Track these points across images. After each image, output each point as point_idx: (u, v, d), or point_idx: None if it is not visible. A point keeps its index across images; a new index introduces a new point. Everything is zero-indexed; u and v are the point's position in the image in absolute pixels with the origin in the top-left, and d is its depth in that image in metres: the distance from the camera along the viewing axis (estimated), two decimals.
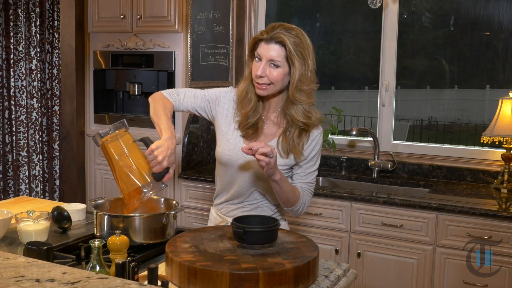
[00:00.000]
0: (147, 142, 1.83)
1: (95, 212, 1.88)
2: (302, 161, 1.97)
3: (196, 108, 2.06)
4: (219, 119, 2.03)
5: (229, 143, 1.98)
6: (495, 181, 3.15)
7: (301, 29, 1.92)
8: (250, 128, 1.95)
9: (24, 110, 4.08)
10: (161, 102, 2.01)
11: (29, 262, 1.30)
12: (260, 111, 1.97)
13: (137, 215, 1.87)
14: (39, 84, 4.13)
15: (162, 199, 2.06)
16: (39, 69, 4.11)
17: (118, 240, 1.62)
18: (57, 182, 4.29)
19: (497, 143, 3.07)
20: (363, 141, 3.64)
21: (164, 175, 1.81)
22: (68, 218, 2.12)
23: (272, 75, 1.86)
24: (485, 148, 3.32)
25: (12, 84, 4.05)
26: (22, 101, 4.07)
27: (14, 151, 4.09)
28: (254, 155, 1.75)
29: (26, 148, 4.10)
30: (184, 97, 2.07)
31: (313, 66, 1.92)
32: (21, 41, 4.04)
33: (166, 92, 2.08)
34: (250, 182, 1.97)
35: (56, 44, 4.16)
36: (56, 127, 4.24)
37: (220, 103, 2.03)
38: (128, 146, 1.84)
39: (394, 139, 3.58)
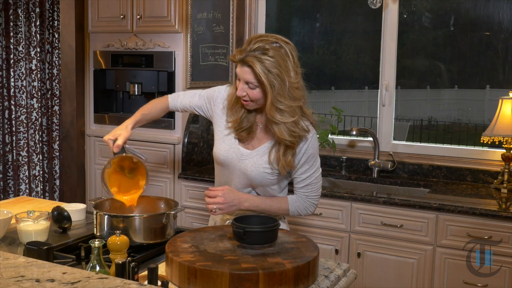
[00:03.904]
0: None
1: (95, 212, 1.88)
2: (294, 169, 1.96)
3: (193, 106, 2.10)
4: (216, 118, 2.04)
5: (225, 144, 1.99)
6: (495, 181, 3.15)
7: (284, 40, 1.83)
8: (244, 131, 1.96)
9: (24, 110, 4.08)
10: (153, 101, 2.16)
11: (29, 262, 1.30)
12: (252, 119, 1.96)
13: (137, 215, 1.87)
14: (39, 84, 4.13)
15: (162, 199, 2.06)
16: (39, 69, 4.11)
17: (118, 240, 1.63)
18: (57, 182, 4.29)
19: (497, 143, 3.07)
20: (363, 141, 3.64)
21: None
22: (68, 218, 2.12)
23: (252, 94, 1.86)
24: (485, 148, 3.32)
25: (12, 84, 4.05)
26: (22, 101, 4.07)
27: (14, 151, 4.09)
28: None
29: (26, 148, 4.10)
30: (183, 96, 2.13)
31: (296, 80, 1.83)
32: (21, 41, 4.03)
33: (170, 94, 2.19)
34: (246, 183, 1.98)
35: (56, 44, 4.16)
36: (56, 127, 4.24)
37: (216, 103, 2.04)
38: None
39: (394, 139, 3.58)
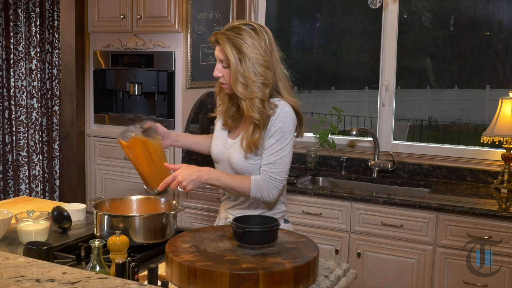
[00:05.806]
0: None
1: (95, 212, 1.88)
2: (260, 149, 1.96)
3: None
4: (217, 122, 2.15)
5: (217, 139, 2.08)
6: (495, 181, 3.15)
7: (259, 25, 1.92)
8: (230, 119, 2.03)
9: (24, 110, 4.08)
10: None
11: (29, 262, 1.30)
12: (233, 107, 2.02)
13: (137, 215, 1.87)
14: (39, 84, 4.13)
15: (162, 199, 2.07)
16: (39, 69, 4.11)
17: (118, 240, 1.63)
18: (57, 182, 4.29)
19: (497, 143, 3.07)
20: (363, 141, 3.64)
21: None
22: (68, 218, 2.12)
23: (226, 74, 1.92)
24: (485, 148, 3.32)
25: (12, 84, 4.05)
26: (22, 101, 4.07)
27: (14, 151, 4.09)
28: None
29: (26, 148, 4.10)
30: None
31: (264, 59, 1.87)
32: (21, 41, 4.03)
33: None
34: (234, 174, 2.01)
35: (56, 44, 4.16)
36: (56, 127, 4.24)
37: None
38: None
39: (394, 139, 3.58)
